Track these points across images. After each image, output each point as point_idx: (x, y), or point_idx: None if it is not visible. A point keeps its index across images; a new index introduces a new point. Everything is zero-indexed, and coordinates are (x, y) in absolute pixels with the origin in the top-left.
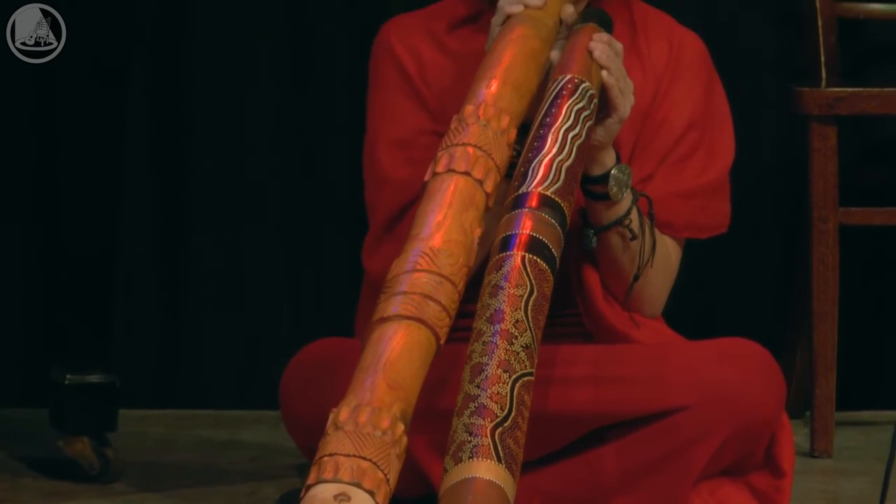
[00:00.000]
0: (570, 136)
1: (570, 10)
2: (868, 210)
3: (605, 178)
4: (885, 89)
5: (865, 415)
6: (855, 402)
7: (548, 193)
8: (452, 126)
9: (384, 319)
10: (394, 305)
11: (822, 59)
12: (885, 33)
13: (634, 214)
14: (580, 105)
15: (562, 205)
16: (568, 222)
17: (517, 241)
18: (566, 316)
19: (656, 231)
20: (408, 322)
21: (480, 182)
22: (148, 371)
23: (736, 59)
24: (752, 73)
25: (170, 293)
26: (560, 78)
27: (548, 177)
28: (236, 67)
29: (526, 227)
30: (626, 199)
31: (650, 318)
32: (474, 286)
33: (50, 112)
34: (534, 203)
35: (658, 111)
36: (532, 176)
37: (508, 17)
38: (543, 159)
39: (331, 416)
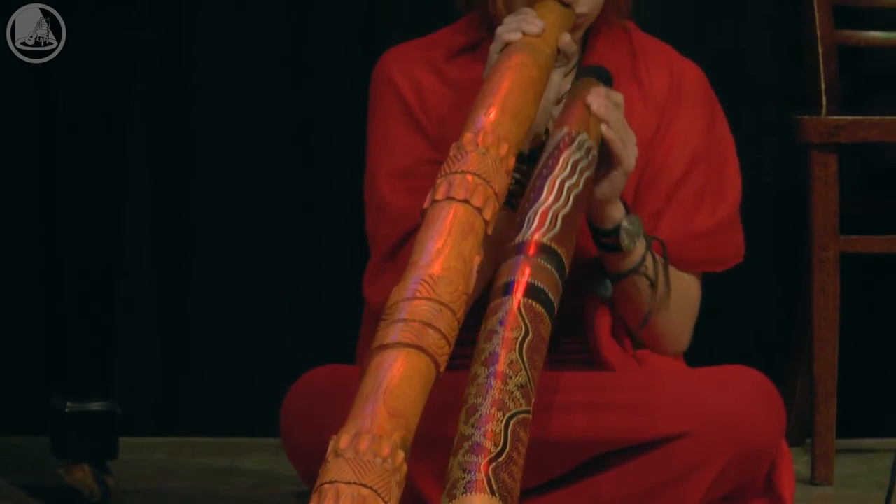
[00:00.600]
0: (567, 185)
1: (567, 39)
2: (869, 238)
3: (616, 230)
4: (886, 117)
5: (866, 442)
6: (856, 430)
7: (544, 241)
8: (451, 153)
9: (384, 347)
10: (393, 333)
11: (823, 86)
12: (886, 61)
13: (649, 260)
14: (577, 156)
15: (559, 251)
16: (567, 268)
17: (514, 286)
18: (571, 343)
19: (673, 268)
20: (407, 349)
21: (479, 210)
22: (148, 399)
23: (736, 87)
24: (752, 100)
25: (170, 321)
26: (558, 131)
27: (544, 224)
28: (238, 104)
29: (523, 273)
30: (640, 247)
31: (674, 355)
32: (473, 313)
33: (52, 143)
34: (531, 251)
35: (661, 144)
36: (529, 224)
37: (506, 44)
38: (540, 208)
39: (331, 444)
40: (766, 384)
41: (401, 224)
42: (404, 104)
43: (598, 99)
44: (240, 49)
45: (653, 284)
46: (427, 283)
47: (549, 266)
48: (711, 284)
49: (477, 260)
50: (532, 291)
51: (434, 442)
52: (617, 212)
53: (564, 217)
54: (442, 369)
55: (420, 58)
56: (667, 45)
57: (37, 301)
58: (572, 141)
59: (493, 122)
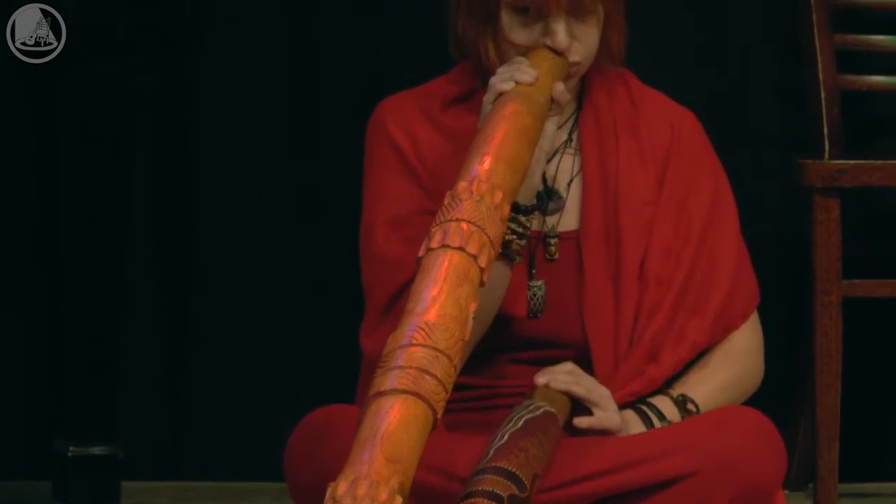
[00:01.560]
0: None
1: (560, 88)
2: (871, 282)
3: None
4: (889, 161)
5: (869, 486)
6: (858, 474)
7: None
8: (446, 202)
9: (381, 394)
10: (390, 380)
11: (825, 131)
12: (888, 105)
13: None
14: (532, 416)
15: (517, 473)
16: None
17: None
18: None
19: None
20: (404, 396)
21: (475, 257)
22: (151, 442)
23: (739, 131)
24: (754, 144)
25: (173, 365)
26: (519, 406)
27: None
28: (240, 152)
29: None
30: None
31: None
32: (470, 359)
33: (54, 189)
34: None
35: (668, 206)
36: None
37: (500, 94)
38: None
39: (328, 490)
40: (767, 425)
41: (397, 275)
42: (400, 154)
43: (550, 376)
44: (241, 97)
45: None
46: (423, 330)
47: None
48: None
49: (473, 307)
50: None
51: (431, 489)
52: (636, 429)
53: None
54: (439, 415)
55: (415, 108)
56: (661, 94)
57: (39, 344)
58: (534, 410)
59: (488, 171)
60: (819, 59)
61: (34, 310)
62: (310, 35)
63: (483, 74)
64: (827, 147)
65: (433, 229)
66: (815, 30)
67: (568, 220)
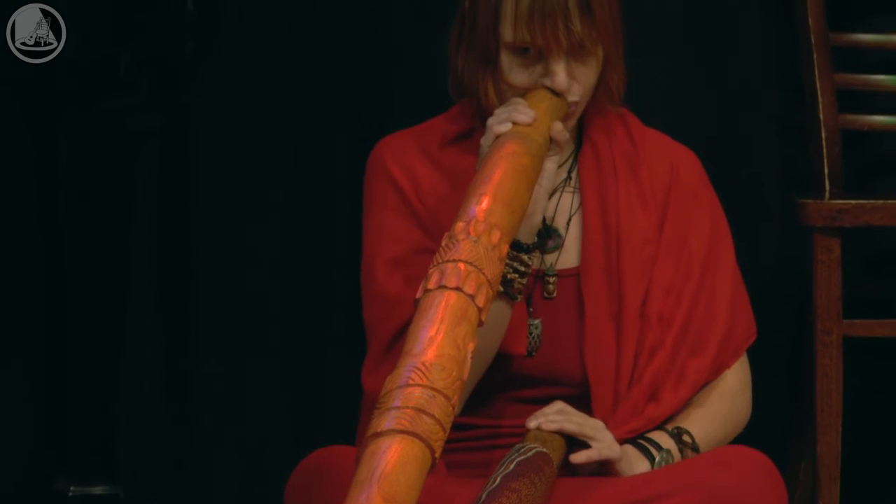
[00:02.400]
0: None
1: (559, 128)
2: (872, 322)
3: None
4: (889, 201)
5: None
6: None
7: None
8: (443, 243)
9: (378, 434)
10: (388, 420)
11: (826, 170)
12: (889, 145)
13: (686, 450)
14: (523, 457)
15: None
16: None
17: None
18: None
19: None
20: (402, 436)
21: (472, 297)
22: (152, 483)
23: (740, 170)
24: (755, 183)
25: (175, 406)
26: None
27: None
28: (243, 192)
29: None
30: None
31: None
32: (469, 398)
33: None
34: None
35: (669, 244)
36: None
37: (497, 136)
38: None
39: None
40: (767, 464)
41: (398, 314)
42: (400, 193)
43: (541, 418)
44: (242, 136)
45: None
46: (420, 370)
47: None
48: None
49: (471, 346)
50: None
51: None
52: (640, 465)
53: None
54: (437, 455)
55: (414, 146)
56: (660, 133)
57: (40, 385)
58: (526, 452)
59: (485, 211)
60: (820, 98)
61: (35, 350)
62: (311, 74)
63: (482, 114)
64: (828, 186)
65: (430, 270)
66: (816, 69)
67: (566, 258)
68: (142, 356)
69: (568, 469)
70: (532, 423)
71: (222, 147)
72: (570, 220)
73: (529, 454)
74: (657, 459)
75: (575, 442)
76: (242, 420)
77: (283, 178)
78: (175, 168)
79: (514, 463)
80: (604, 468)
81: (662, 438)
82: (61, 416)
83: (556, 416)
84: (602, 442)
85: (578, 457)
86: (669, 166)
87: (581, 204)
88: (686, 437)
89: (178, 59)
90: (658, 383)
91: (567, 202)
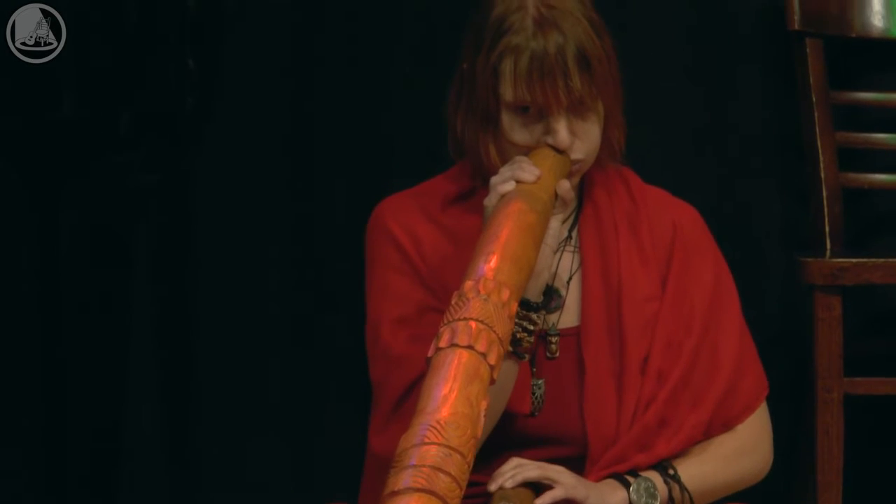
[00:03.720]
0: None
1: (566, 186)
2: (873, 380)
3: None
4: (890, 259)
5: None
6: None
7: None
8: (453, 301)
9: (395, 493)
10: (404, 479)
11: (827, 229)
12: (890, 203)
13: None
14: None
15: None
16: None
17: None
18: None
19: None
20: (419, 494)
21: (484, 355)
22: None
23: (741, 228)
24: (756, 241)
25: (174, 468)
26: None
27: None
28: (242, 249)
29: None
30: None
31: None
32: (479, 455)
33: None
34: None
35: (672, 301)
36: None
37: (503, 195)
38: None
39: None
40: None
41: (405, 374)
42: (402, 253)
43: (499, 479)
44: (243, 193)
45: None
46: (435, 428)
47: None
48: None
49: (484, 405)
50: None
51: None
52: (617, 494)
53: None
54: None
55: (415, 207)
56: (662, 190)
57: (40, 465)
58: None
59: (494, 269)
60: (821, 157)
61: (34, 421)
62: (311, 132)
63: (483, 173)
64: (828, 245)
65: (441, 329)
66: (818, 128)
67: (567, 317)
68: (141, 418)
69: None
70: (493, 487)
71: (222, 204)
72: (570, 279)
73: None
74: (633, 486)
75: (540, 488)
76: (243, 489)
77: (284, 237)
78: (174, 224)
79: None
80: None
81: (643, 469)
82: (62, 479)
83: (514, 471)
84: (566, 483)
85: (544, 498)
86: (671, 223)
87: (581, 263)
88: (671, 471)
89: (179, 116)
90: (649, 435)
91: (567, 261)
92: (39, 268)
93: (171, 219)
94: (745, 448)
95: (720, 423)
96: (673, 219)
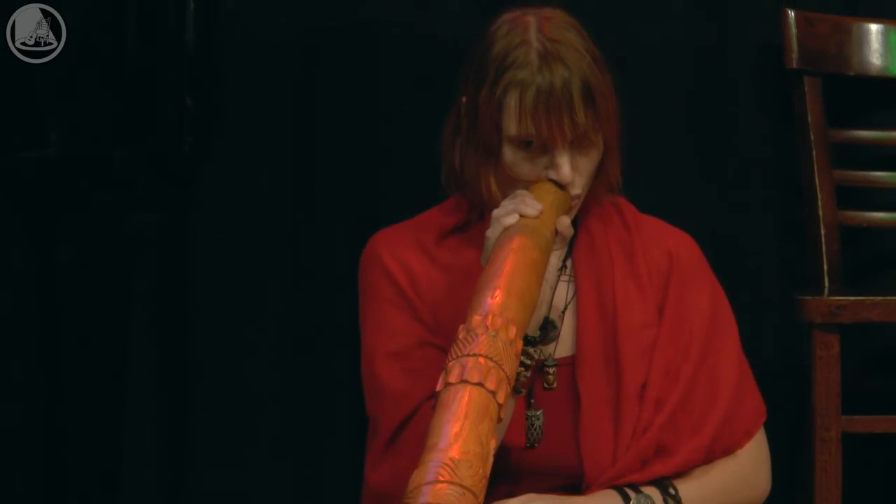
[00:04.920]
0: None
1: (566, 222)
2: (871, 418)
3: None
4: (888, 297)
5: None
6: None
7: None
8: (461, 336)
9: None
10: None
11: (825, 267)
12: (888, 241)
13: (671, 493)
14: None
15: None
16: None
17: None
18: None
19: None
20: None
21: (494, 393)
22: None
23: (738, 266)
24: (754, 279)
25: (172, 480)
26: None
27: None
28: (240, 287)
29: None
30: None
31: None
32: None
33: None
34: None
35: (669, 329)
36: None
37: (505, 228)
38: None
39: None
40: None
41: (401, 408)
42: (396, 287)
43: None
44: (241, 231)
45: None
46: (448, 466)
47: None
48: None
49: (493, 443)
50: None
51: None
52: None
53: None
54: None
55: (409, 240)
56: (657, 220)
57: (38, 477)
58: None
59: (500, 305)
60: (819, 195)
61: (35, 461)
62: (310, 169)
63: (479, 207)
64: (826, 283)
65: (450, 364)
66: (815, 166)
67: (564, 347)
68: (140, 449)
69: None
70: None
71: (220, 243)
72: (565, 308)
73: None
74: (633, 501)
75: None
76: (240, 497)
77: (282, 273)
78: (173, 264)
79: None
80: None
81: (644, 486)
82: None
83: None
84: None
85: None
86: (667, 250)
87: (576, 292)
88: (671, 490)
89: (178, 155)
90: (643, 461)
91: (563, 291)
92: (38, 302)
93: (169, 258)
94: (745, 473)
95: (721, 449)
96: (668, 246)
